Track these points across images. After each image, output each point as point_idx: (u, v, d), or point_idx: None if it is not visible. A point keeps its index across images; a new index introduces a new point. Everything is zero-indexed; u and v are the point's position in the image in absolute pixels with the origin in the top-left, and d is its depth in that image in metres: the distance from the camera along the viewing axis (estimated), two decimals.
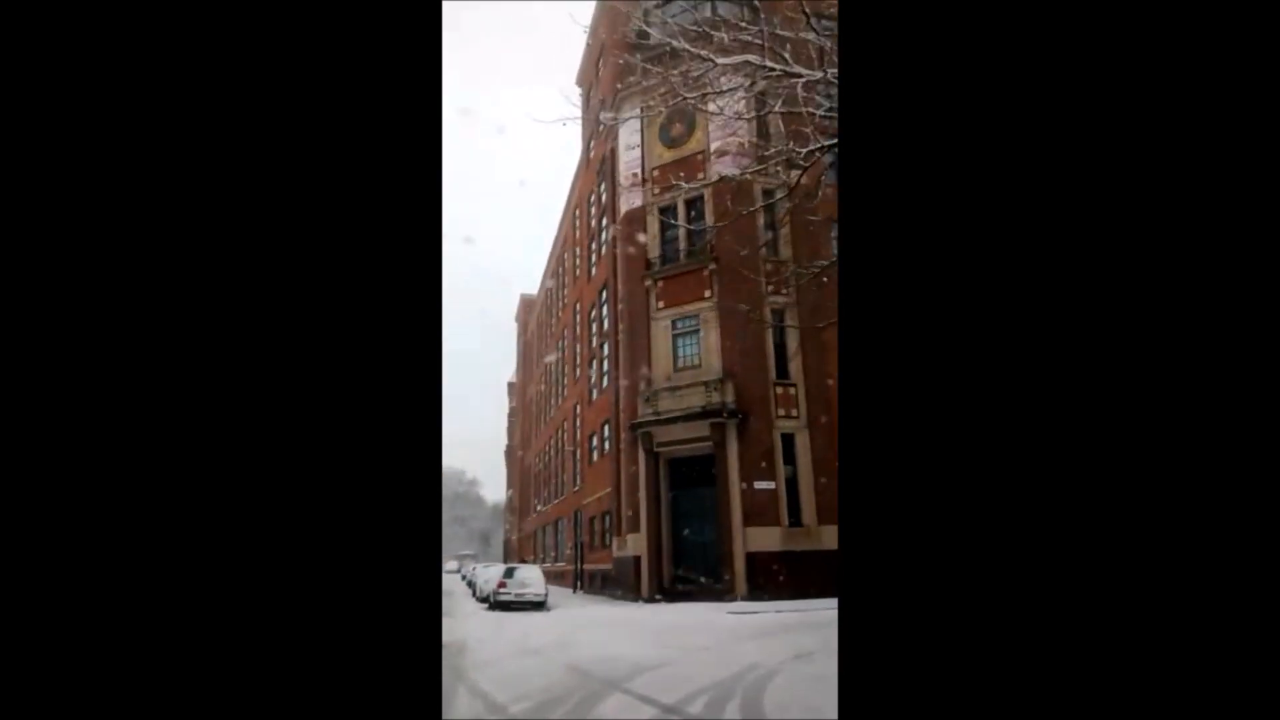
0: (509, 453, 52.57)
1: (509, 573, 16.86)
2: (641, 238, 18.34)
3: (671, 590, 15.75)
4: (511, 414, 52.84)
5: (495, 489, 63.59)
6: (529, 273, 56.04)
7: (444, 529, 70.79)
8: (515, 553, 42.87)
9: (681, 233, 17.92)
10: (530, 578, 16.48)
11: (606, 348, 21.25)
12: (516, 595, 15.89)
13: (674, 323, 17.54)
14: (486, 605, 16.77)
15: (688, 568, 16.03)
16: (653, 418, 16.50)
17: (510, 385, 54.01)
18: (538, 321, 40.37)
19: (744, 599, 14.53)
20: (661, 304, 17.76)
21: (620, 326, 19.20)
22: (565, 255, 31.30)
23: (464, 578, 29.81)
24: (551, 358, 32.69)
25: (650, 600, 15.52)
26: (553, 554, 30.68)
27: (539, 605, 15.90)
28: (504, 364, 57.88)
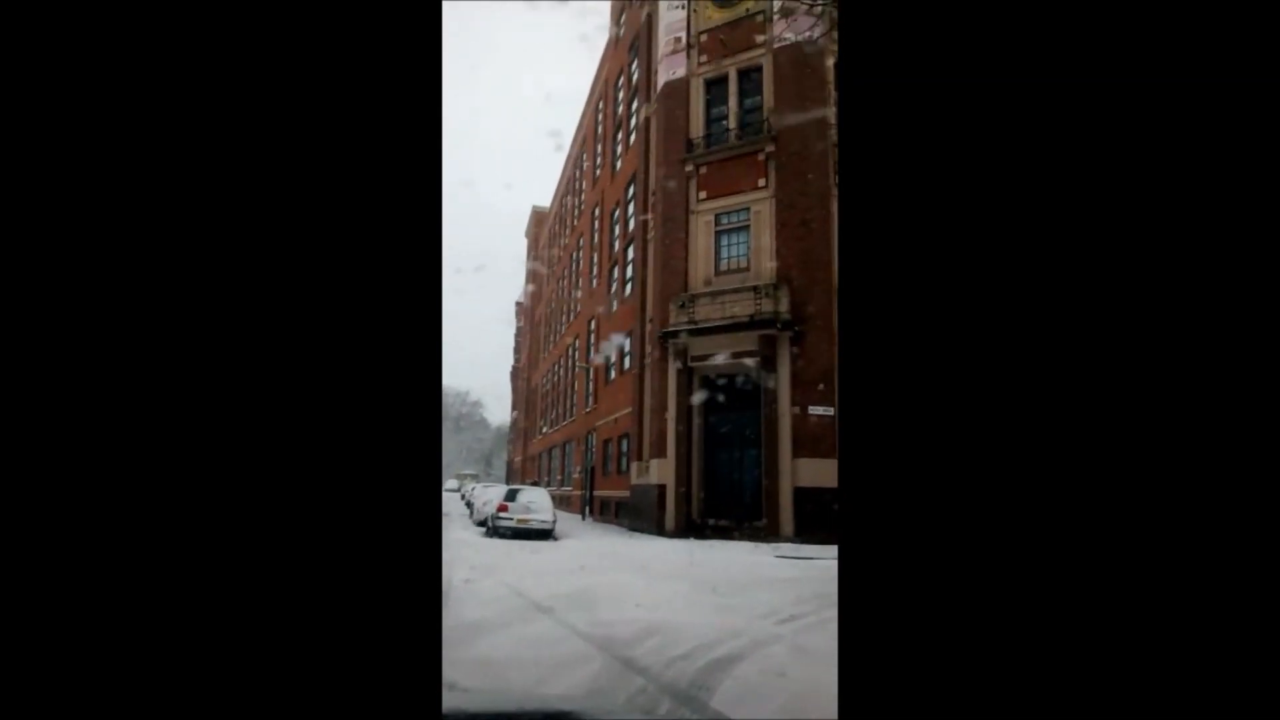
0: (515, 373, 50.66)
1: (511, 495, 14.70)
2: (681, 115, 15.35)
3: (701, 525, 13.58)
4: (518, 334, 50.70)
5: (500, 411, 62.40)
6: (544, 186, 53.99)
7: (445, 450, 70.82)
8: (519, 475, 41.45)
9: (732, 110, 14.93)
10: (537, 501, 14.33)
11: (632, 250, 18.53)
12: (520, 521, 13.77)
13: (718, 217, 14.78)
14: (484, 531, 14.73)
15: (722, 501, 13.81)
16: (688, 326, 13.96)
17: (518, 305, 51.64)
18: (550, 234, 37.47)
19: (790, 540, 12.35)
20: (704, 194, 14.95)
21: (651, 221, 16.43)
22: (584, 156, 28.19)
23: (463, 498, 28.04)
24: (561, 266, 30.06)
25: (677, 535, 13.38)
26: (559, 478, 28.87)
27: (546, 534, 13.81)
28: (513, 278, 55.38)
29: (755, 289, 13.51)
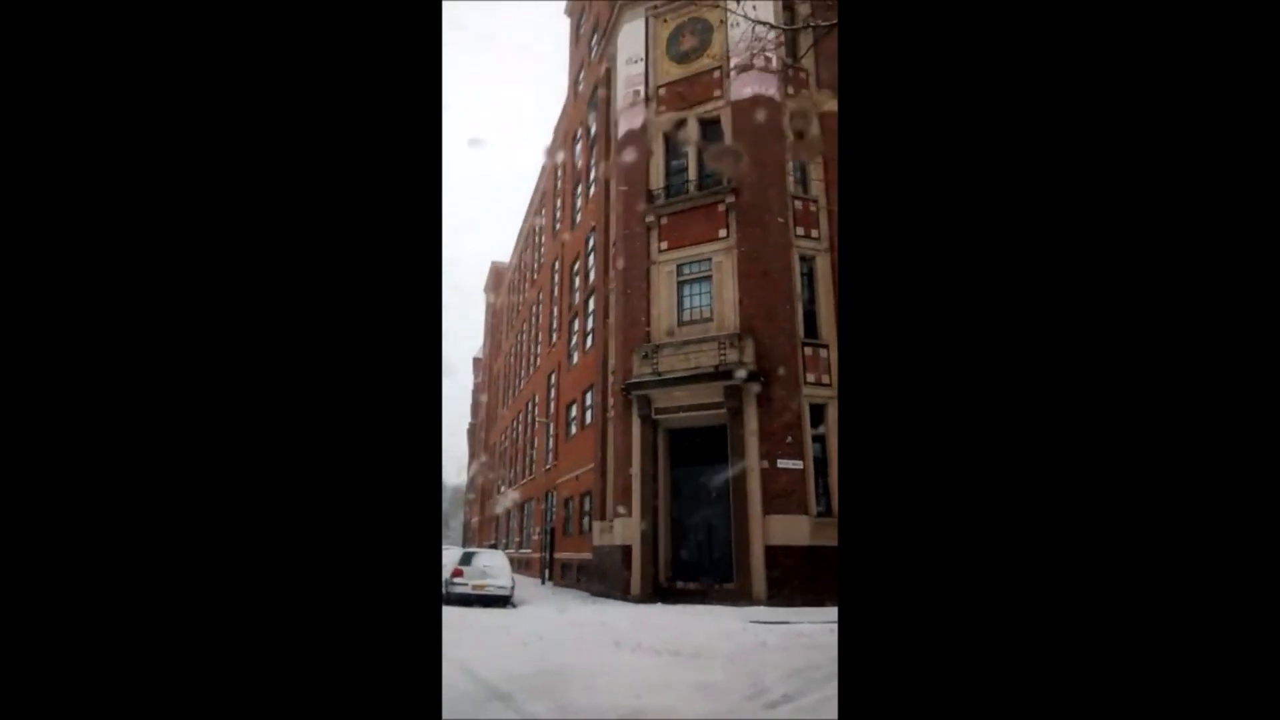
0: (472, 431, 49.30)
1: (466, 558, 13.74)
2: (631, 155, 15.29)
3: (670, 589, 12.84)
4: (476, 390, 49.60)
5: (456, 471, 60.39)
6: (502, 244, 53.53)
7: None
8: (476, 537, 39.78)
9: (692, 161, 14.93)
10: (494, 565, 13.42)
11: (593, 302, 18.19)
12: (475, 587, 12.83)
13: (680, 267, 14.57)
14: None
15: (691, 563, 13.12)
16: (652, 378, 13.52)
17: (476, 361, 50.71)
18: (509, 288, 37.08)
19: (761, 603, 11.70)
20: (665, 245, 14.77)
21: (612, 273, 16.15)
22: (543, 212, 28.13)
23: None
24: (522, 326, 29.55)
25: (643, 600, 12.60)
26: (517, 539, 27.65)
27: (504, 600, 12.89)
28: (471, 338, 54.06)
29: (719, 339, 13.21)
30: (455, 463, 55.91)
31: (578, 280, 20.39)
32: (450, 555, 14.69)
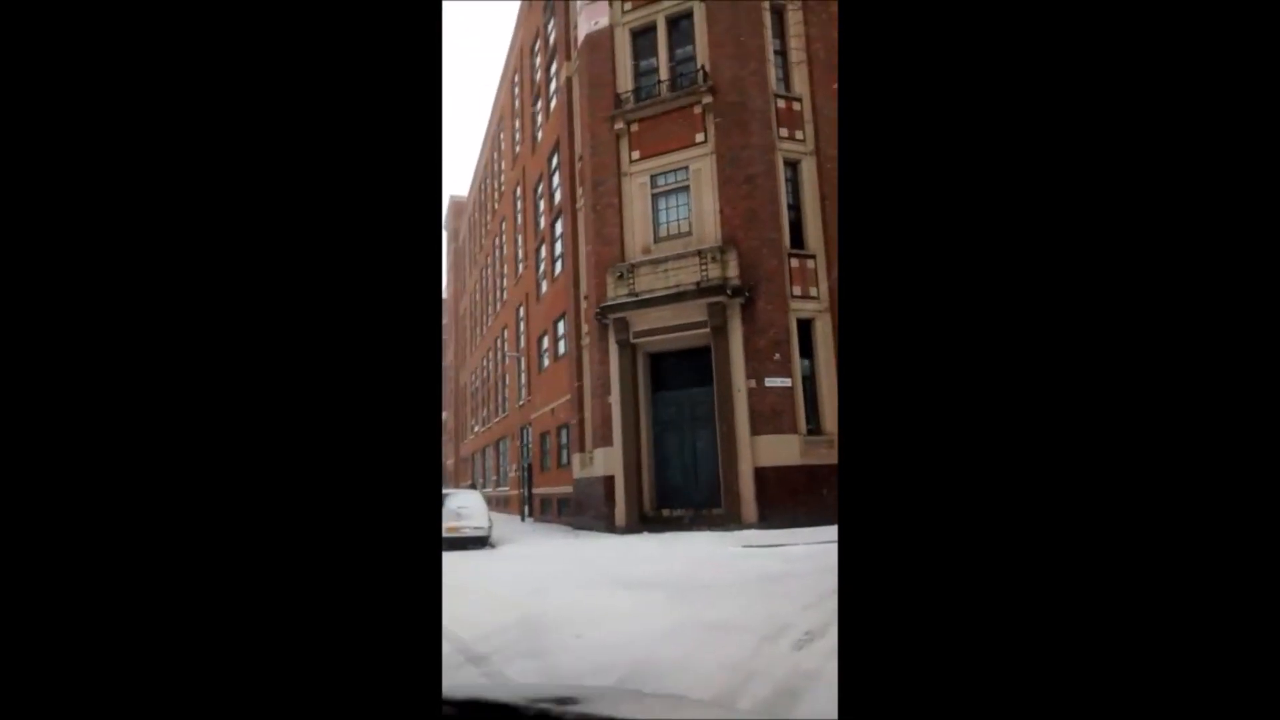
0: (442, 374, 48.19)
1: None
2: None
3: (656, 518, 12.26)
4: (444, 331, 48.25)
5: None
6: (461, 177, 50.68)
7: None
8: (452, 479, 39.29)
9: (663, 59, 13.58)
10: (468, 506, 12.67)
11: (560, 225, 16.98)
12: (450, 530, 12.08)
13: (654, 178, 13.43)
14: None
15: (676, 489, 12.52)
16: (628, 300, 12.56)
17: (442, 302, 49.16)
18: (469, 224, 35.33)
19: (752, 526, 11.18)
20: (637, 154, 13.56)
21: (580, 190, 14.93)
22: (501, 135, 26.35)
23: None
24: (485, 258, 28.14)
25: (629, 530, 12.01)
26: (494, 478, 27.08)
27: (481, 541, 12.22)
28: None
29: (700, 254, 12.24)
30: None
31: (542, 204, 19.06)
32: None
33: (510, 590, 7.09)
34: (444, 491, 13.91)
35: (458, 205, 40.84)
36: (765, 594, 5.60)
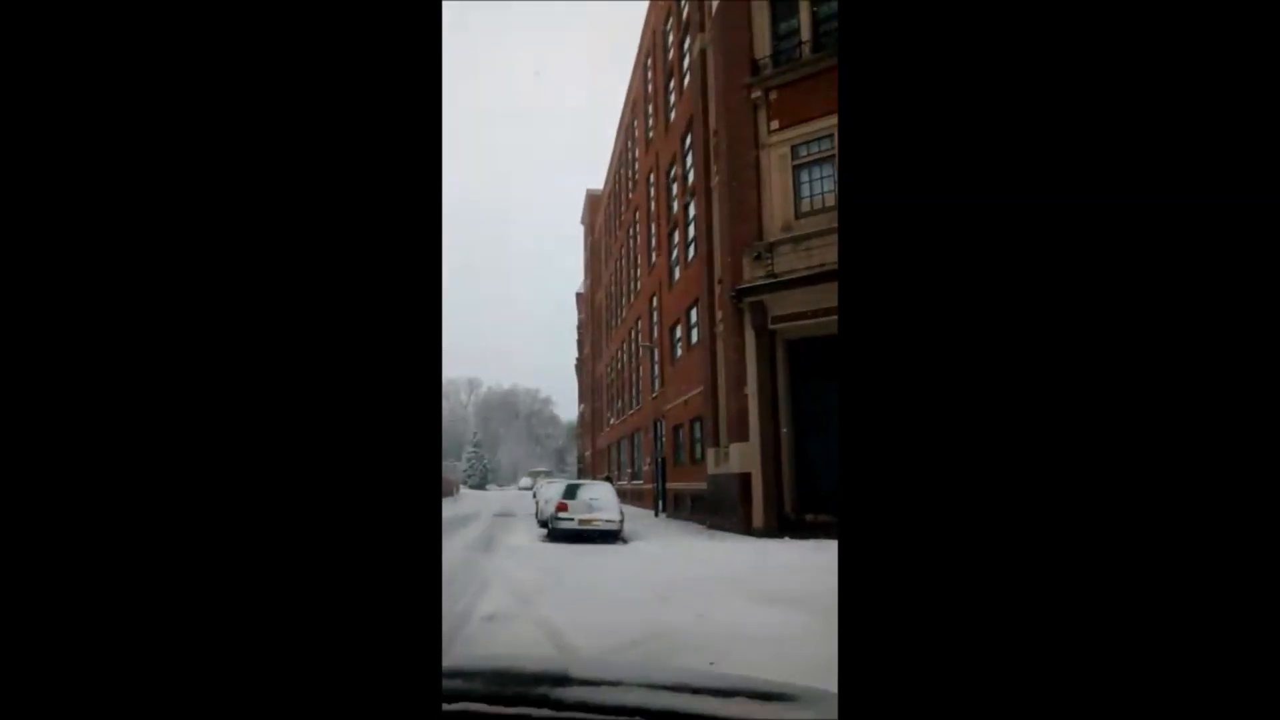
0: (579, 366, 49.14)
1: (570, 491, 12.67)
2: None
3: (798, 522, 11.17)
4: (580, 326, 49.21)
5: (569, 407, 61.07)
6: (596, 170, 51.22)
7: (522, 448, 70.68)
8: (589, 470, 39.90)
9: (804, 19, 12.36)
10: (600, 498, 12.26)
11: (693, 207, 16.19)
12: (581, 522, 11.74)
13: (795, 149, 12.27)
14: (545, 534, 12.78)
15: (821, 491, 11.35)
16: (766, 281, 11.53)
17: (578, 296, 50.11)
18: (606, 215, 35.48)
19: None
20: (776, 123, 12.46)
21: (715, 167, 14.05)
22: (635, 122, 25.99)
23: (534, 495, 26.62)
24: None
25: (767, 533, 11.03)
26: (629, 471, 26.90)
27: (612, 535, 11.76)
28: (574, 277, 53.45)
29: None
30: (570, 396, 56.76)
31: (675, 187, 18.36)
32: (557, 489, 13.75)
33: (638, 594, 6.47)
34: (575, 482, 13.64)
35: (594, 200, 41.28)
36: None
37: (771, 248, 11.63)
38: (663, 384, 20.04)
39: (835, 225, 11.11)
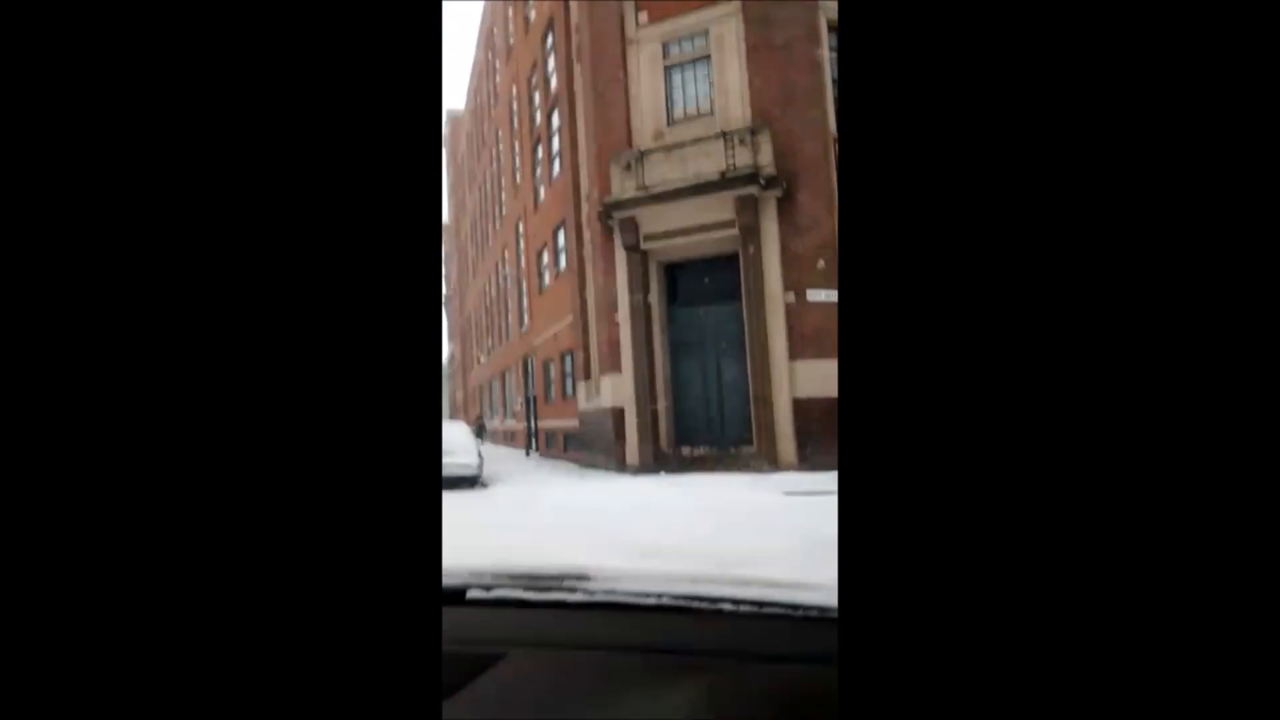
0: (447, 303, 46.27)
1: None
2: None
3: (675, 457, 10.42)
4: (446, 260, 46.14)
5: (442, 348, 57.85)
6: (458, 88, 46.34)
7: None
8: (461, 412, 38.04)
9: None
10: (453, 440, 10.91)
11: (556, 116, 14.56)
12: None
13: (667, 47, 10.97)
14: None
15: (698, 424, 10.62)
16: (637, 194, 10.35)
17: (444, 228, 46.74)
18: (468, 140, 32.56)
19: (791, 468, 9.33)
20: (645, 17, 11.05)
21: (578, 68, 12.48)
22: (494, 29, 23.42)
23: None
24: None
25: (643, 470, 10.21)
26: (501, 411, 25.52)
27: (470, 481, 10.52)
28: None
29: (725, 136, 9.93)
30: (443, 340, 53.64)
31: (538, 96, 16.53)
32: None
33: (494, 556, 5.33)
34: None
35: (455, 122, 37.93)
36: (830, 562, 3.74)
37: (642, 157, 10.40)
38: (531, 317, 18.63)
39: (712, 133, 10.05)
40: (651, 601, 0.83)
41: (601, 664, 0.72)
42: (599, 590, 0.87)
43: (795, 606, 0.80)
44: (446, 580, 0.90)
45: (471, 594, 0.90)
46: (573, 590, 0.87)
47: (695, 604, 0.81)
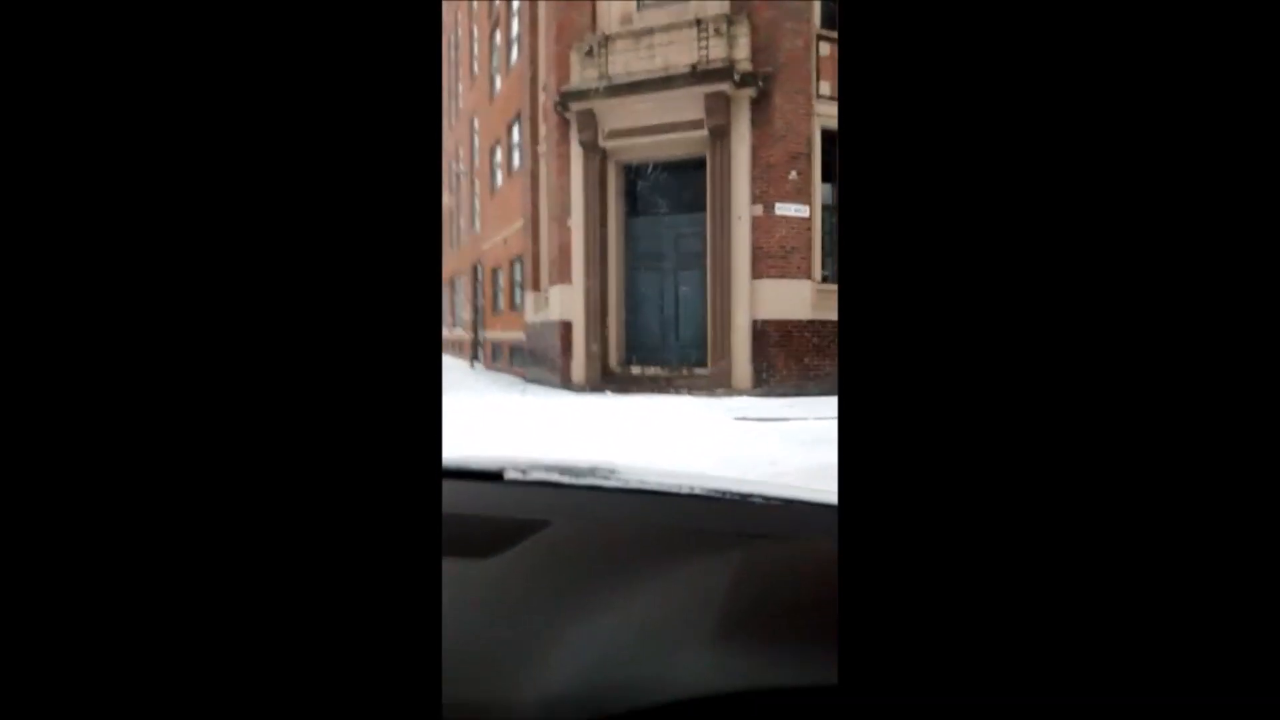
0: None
1: None
2: None
3: (624, 375, 9.84)
4: None
5: None
6: None
7: None
8: None
9: None
10: None
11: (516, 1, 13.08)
12: None
13: None
14: None
15: (650, 342, 10.01)
16: (599, 83, 9.29)
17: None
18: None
19: (745, 392, 8.86)
20: None
21: None
22: None
23: None
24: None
25: (589, 388, 9.64)
26: (450, 320, 24.56)
27: None
28: None
29: (699, 24, 8.87)
30: None
31: None
32: None
33: None
34: None
35: None
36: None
37: (606, 42, 9.29)
38: (482, 221, 17.49)
39: (684, 18, 8.98)
40: (675, 489, 0.91)
41: (637, 538, 0.78)
42: (630, 479, 0.94)
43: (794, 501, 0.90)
44: (481, 464, 0.99)
45: (509, 475, 0.96)
46: (606, 478, 0.95)
47: (713, 494, 0.90)
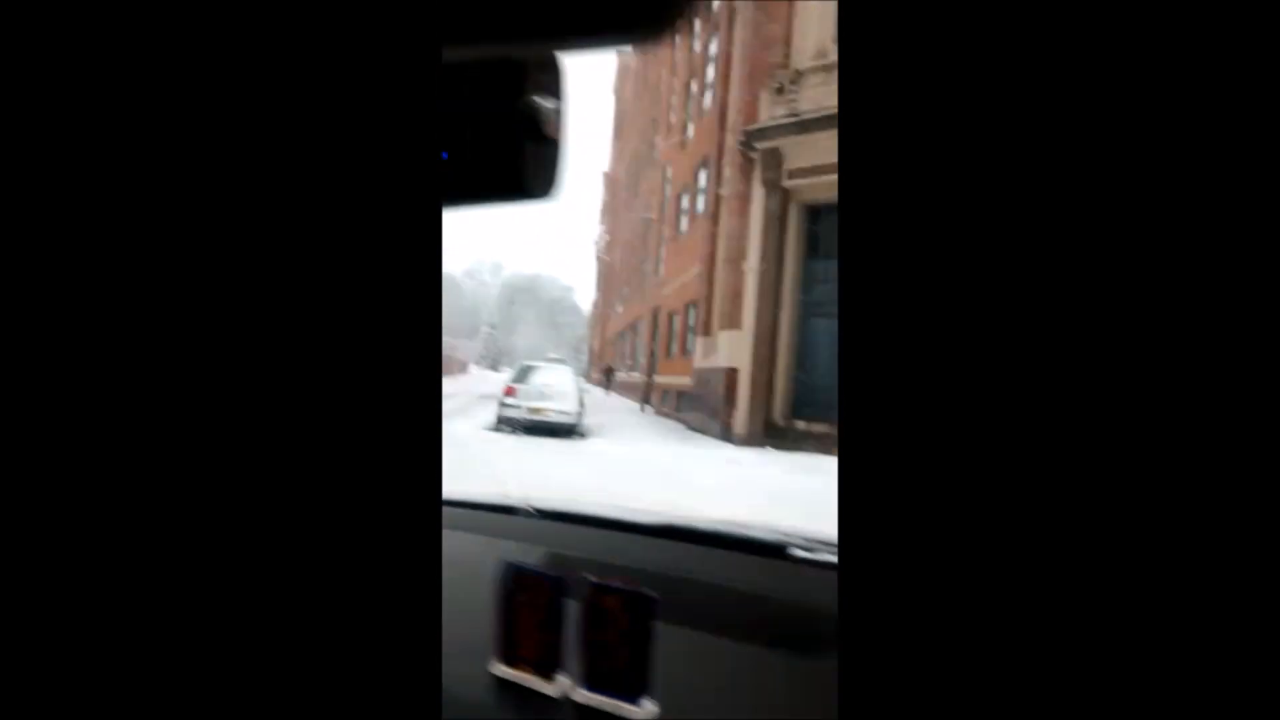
0: (599, 252, 46.57)
1: (522, 374, 10.67)
2: None
3: (787, 430, 8.99)
4: (603, 208, 46.35)
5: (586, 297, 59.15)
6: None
7: (541, 334, 70.96)
8: (597, 360, 38.38)
9: None
10: (555, 384, 10.24)
11: (716, 44, 13.11)
12: (530, 411, 9.78)
13: None
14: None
15: (819, 394, 9.07)
16: (786, 121, 8.79)
17: (605, 176, 46.79)
18: (636, 79, 31.67)
19: None
20: None
21: None
22: None
23: None
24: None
25: (750, 441, 8.91)
26: (628, 363, 25.00)
27: (568, 430, 9.82)
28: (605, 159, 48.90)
29: None
30: (587, 285, 55.05)
31: (699, 24, 15.11)
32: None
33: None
34: (530, 364, 11.52)
35: (624, 61, 37.23)
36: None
37: (798, 78, 8.80)
38: (665, 266, 17.59)
39: None
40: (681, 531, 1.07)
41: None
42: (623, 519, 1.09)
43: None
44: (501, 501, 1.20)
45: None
46: (591, 519, 1.09)
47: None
